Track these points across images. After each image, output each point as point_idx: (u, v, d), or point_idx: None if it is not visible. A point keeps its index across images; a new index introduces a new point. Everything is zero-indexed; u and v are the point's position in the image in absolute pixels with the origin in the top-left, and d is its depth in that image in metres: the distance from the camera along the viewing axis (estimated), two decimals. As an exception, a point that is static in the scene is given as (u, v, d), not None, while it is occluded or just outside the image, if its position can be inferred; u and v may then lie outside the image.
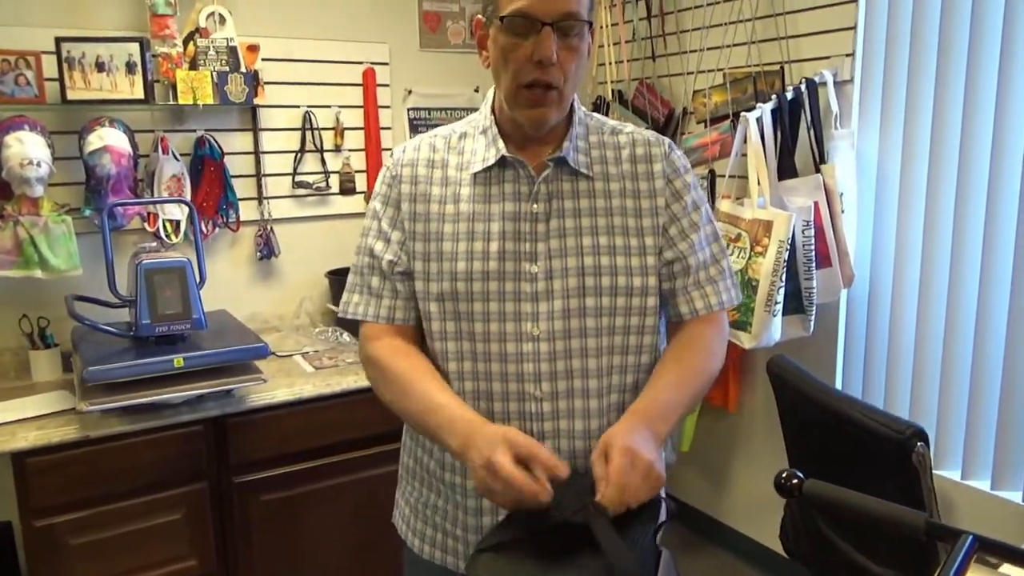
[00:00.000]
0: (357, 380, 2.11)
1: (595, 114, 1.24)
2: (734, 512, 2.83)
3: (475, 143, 1.18)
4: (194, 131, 2.37)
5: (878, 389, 2.32)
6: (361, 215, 2.68)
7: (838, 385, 2.41)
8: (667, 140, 1.21)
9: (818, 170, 2.18)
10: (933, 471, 2.13)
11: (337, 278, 2.56)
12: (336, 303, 2.48)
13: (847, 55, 2.22)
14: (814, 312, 2.19)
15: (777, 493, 0.79)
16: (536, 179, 1.13)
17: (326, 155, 2.60)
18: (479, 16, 1.14)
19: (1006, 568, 0.67)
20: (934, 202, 2.11)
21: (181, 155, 2.34)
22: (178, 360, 1.81)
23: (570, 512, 0.92)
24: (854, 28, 2.20)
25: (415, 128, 2.78)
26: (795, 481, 0.78)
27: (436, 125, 2.79)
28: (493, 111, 1.18)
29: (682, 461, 2.90)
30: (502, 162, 1.14)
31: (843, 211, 2.18)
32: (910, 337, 2.22)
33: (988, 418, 2.06)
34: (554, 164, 1.13)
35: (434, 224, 1.15)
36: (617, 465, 0.94)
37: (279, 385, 2.05)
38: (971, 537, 0.68)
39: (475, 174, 1.15)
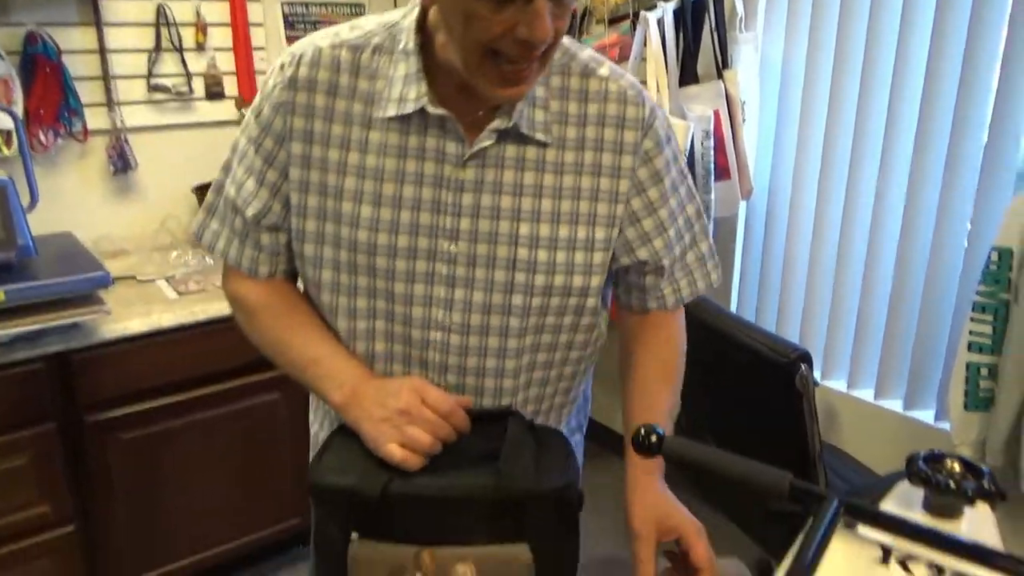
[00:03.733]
0: (225, 306, 1.92)
1: (563, 40, 0.89)
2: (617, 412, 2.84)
3: (392, 68, 0.87)
4: (22, 25, 2.04)
5: (772, 303, 2.31)
6: (232, 123, 2.43)
7: (733, 300, 2.38)
8: (649, 100, 0.93)
9: (720, 76, 2.07)
10: (822, 382, 2.17)
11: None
12: (205, 222, 2.27)
13: (754, -49, 2.08)
14: (712, 225, 2.12)
15: (635, 451, 0.69)
16: (466, 138, 0.87)
17: (187, 55, 2.30)
18: None
19: (863, 530, 0.60)
20: (836, 112, 2.04)
21: (7, 54, 2.02)
22: (-2, 294, 1.59)
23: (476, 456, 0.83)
24: (762, -79, 2.06)
25: (291, 25, 2.50)
26: (654, 439, 0.68)
27: (317, 24, 2.54)
28: (421, 29, 0.86)
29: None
30: (423, 112, 0.86)
31: (744, 120, 2.09)
32: (805, 250, 2.19)
33: (875, 331, 2.08)
34: (499, 134, 0.87)
35: (332, 175, 0.89)
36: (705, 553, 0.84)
37: (134, 315, 1.86)
38: (836, 500, 0.60)
39: (389, 119, 0.88)
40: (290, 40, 2.50)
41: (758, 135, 2.18)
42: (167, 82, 2.29)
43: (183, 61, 2.30)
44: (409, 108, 0.86)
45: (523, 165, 0.89)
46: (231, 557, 2.15)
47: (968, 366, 1.68)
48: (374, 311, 0.92)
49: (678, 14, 2.06)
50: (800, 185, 2.17)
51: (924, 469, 0.64)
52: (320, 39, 0.90)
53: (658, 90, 2.01)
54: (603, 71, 0.92)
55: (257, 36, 2.42)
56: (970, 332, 1.67)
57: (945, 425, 1.91)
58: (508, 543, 0.77)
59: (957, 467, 0.64)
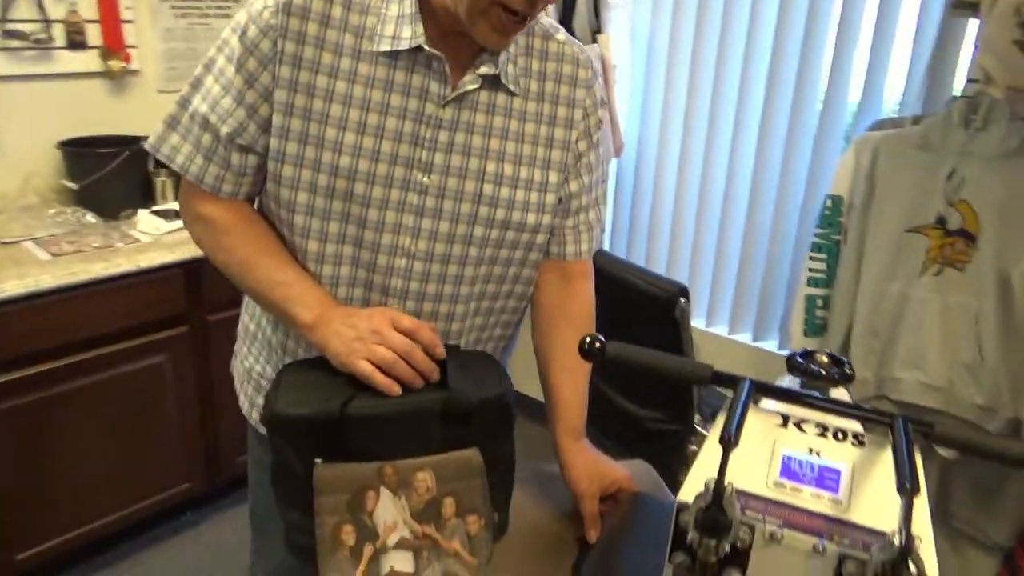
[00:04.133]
0: (107, 267, 1.87)
1: None
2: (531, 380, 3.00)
3: (384, 6, 0.93)
4: None
5: (640, 250, 2.53)
6: (98, 75, 2.30)
7: (606, 245, 2.58)
8: (592, 62, 1.06)
9: (595, 40, 2.22)
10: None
11: (74, 150, 2.19)
12: (74, 179, 2.15)
13: (622, -78, 2.23)
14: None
15: (582, 357, 0.81)
16: (449, 79, 0.94)
17: (43, -1, 2.14)
18: None
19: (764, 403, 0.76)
20: (696, 76, 2.25)
21: None
22: None
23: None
24: None
25: (155, -29, 2.38)
26: (598, 344, 0.81)
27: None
28: None
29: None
30: (416, 50, 0.93)
31: (616, 82, 2.25)
32: (670, 201, 2.41)
33: (729, 274, 2.34)
34: (483, 82, 0.96)
35: (319, 101, 0.93)
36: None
37: (8, 277, 1.75)
38: (748, 381, 0.75)
39: (378, 54, 0.93)
40: (154, -13, 2.39)
41: (629, 96, 2.36)
42: (24, 28, 2.12)
43: (40, 5, 2.14)
44: (404, 45, 0.92)
45: (494, 110, 0.98)
46: (119, 527, 2.11)
47: (807, 298, 1.95)
48: (344, 236, 0.97)
49: (555, -21, 2.18)
50: (665, 142, 2.37)
51: (801, 362, 0.80)
52: None
53: (539, 51, 2.13)
54: (560, 36, 1.04)
55: (119, -19, 2.29)
56: (809, 269, 1.94)
57: (787, 352, 2.20)
58: (459, 449, 0.86)
59: (825, 359, 0.81)
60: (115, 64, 2.32)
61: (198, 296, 2.07)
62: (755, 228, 2.24)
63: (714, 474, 0.64)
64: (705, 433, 1.70)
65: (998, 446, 0.71)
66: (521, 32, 0.96)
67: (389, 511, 0.84)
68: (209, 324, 2.11)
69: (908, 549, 0.57)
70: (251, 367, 1.14)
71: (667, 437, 1.73)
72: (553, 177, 1.03)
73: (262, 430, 1.11)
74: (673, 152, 2.36)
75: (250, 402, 1.16)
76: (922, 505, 0.62)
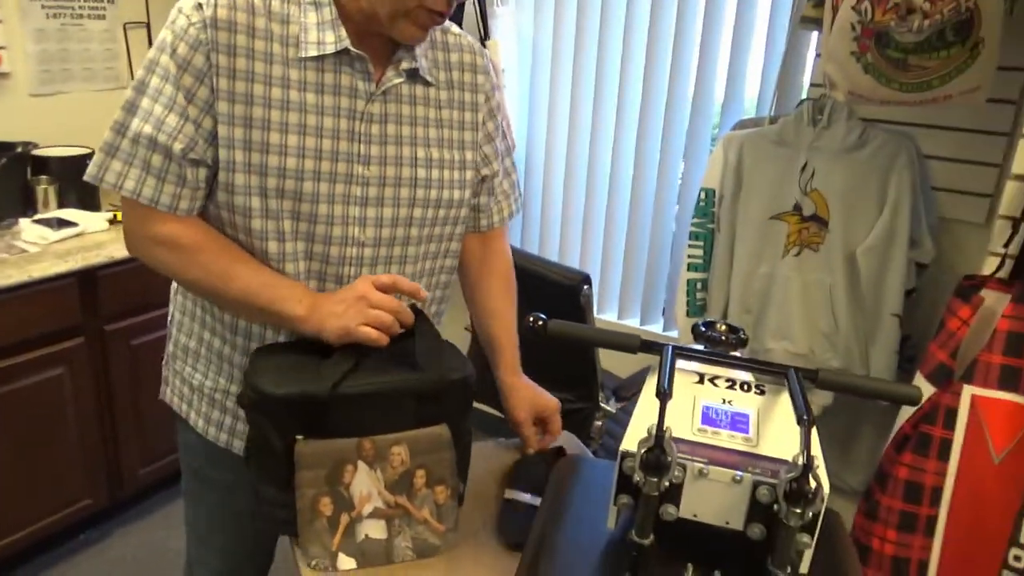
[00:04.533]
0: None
1: None
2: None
3: (303, 15, 1.00)
4: None
5: (532, 241, 2.68)
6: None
7: (502, 245, 2.70)
8: (483, 49, 1.18)
9: (484, 46, 2.33)
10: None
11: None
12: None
13: (504, -67, 2.35)
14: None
15: (526, 334, 0.92)
16: (374, 76, 1.03)
17: None
18: None
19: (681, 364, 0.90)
20: (578, 78, 2.42)
21: None
22: None
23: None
24: (511, -93, 2.33)
25: (22, -32, 2.26)
26: (540, 323, 0.92)
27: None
28: None
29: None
30: (341, 53, 1.01)
31: (505, 85, 2.38)
32: (559, 198, 2.57)
33: (616, 263, 2.53)
34: (406, 76, 1.05)
35: (258, 109, 0.98)
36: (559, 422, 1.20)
37: None
38: (671, 347, 0.89)
39: (306, 59, 0.99)
40: (21, -15, 2.27)
41: (518, 98, 2.50)
42: None
43: None
44: (330, 49, 0.99)
45: (416, 101, 1.08)
46: (17, 548, 2.01)
47: (688, 282, 2.15)
48: (298, 233, 1.03)
49: (445, -13, 2.27)
50: (552, 142, 2.53)
51: (704, 330, 0.96)
52: None
53: (433, 56, 2.22)
54: (455, 29, 1.16)
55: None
56: (688, 256, 2.14)
57: (672, 333, 2.42)
58: (430, 425, 0.96)
59: (724, 327, 0.97)
60: (-18, 66, 2.19)
61: (94, 306, 2.01)
62: (638, 220, 2.44)
63: (651, 424, 0.77)
64: (609, 408, 1.86)
65: (880, 386, 0.88)
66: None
67: (364, 483, 0.92)
68: (106, 334, 2.05)
69: (809, 467, 0.72)
70: (201, 383, 1.16)
71: (575, 415, 1.88)
72: (469, 155, 1.15)
73: (222, 443, 1.16)
74: (560, 151, 2.52)
75: (205, 419, 1.17)
76: (815, 434, 0.78)
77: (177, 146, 0.97)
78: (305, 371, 0.94)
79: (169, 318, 1.21)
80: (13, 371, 1.87)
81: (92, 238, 2.07)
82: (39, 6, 2.33)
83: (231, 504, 1.22)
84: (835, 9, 1.60)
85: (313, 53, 0.99)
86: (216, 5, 0.96)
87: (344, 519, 0.91)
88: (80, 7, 2.44)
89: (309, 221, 1.03)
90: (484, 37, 2.35)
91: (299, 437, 0.91)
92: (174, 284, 1.18)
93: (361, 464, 0.92)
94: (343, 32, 0.99)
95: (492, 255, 1.28)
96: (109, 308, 2.04)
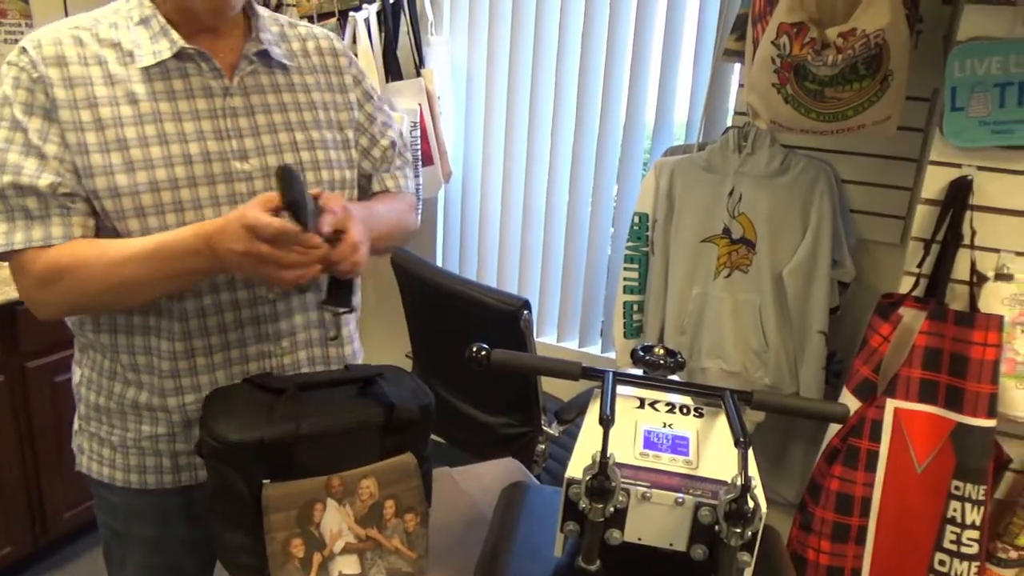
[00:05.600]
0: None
1: (261, 7, 1.14)
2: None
3: (134, 34, 1.00)
4: None
5: (471, 266, 2.69)
6: None
7: (438, 264, 2.71)
8: (336, 35, 1.21)
9: (419, 74, 2.35)
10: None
11: None
12: None
13: (435, -36, 2.39)
14: (420, 206, 2.40)
15: (470, 365, 0.93)
16: (224, 72, 1.02)
17: None
18: None
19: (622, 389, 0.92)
20: (512, 104, 2.46)
21: None
22: None
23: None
24: (442, -62, 2.37)
25: (-67, -8, 2.17)
26: (483, 353, 0.93)
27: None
28: None
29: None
30: (180, 55, 1.00)
31: (441, 113, 2.40)
32: (496, 221, 2.60)
33: (554, 287, 2.56)
34: (257, 58, 1.05)
35: (111, 131, 0.96)
36: (357, 235, 0.95)
37: None
38: (611, 373, 0.91)
39: (146, 69, 0.99)
40: (-68, 9, 2.18)
41: (454, 126, 2.52)
42: None
43: None
44: (166, 54, 0.99)
45: (278, 88, 1.08)
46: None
47: (625, 304, 2.20)
48: None
49: (380, 15, 2.29)
50: (488, 168, 2.56)
51: (642, 355, 0.98)
52: (52, 27, 0.99)
53: (368, 84, 2.22)
54: (302, 24, 1.17)
55: None
56: (624, 279, 2.19)
57: (610, 354, 2.46)
58: (394, 455, 0.95)
59: (662, 351, 1.00)
60: None
61: (14, 342, 1.92)
62: (574, 244, 2.48)
63: (594, 451, 0.79)
64: (551, 432, 1.88)
65: (811, 406, 0.92)
66: (271, 26, 1.10)
67: (334, 519, 0.91)
68: (28, 371, 1.96)
69: (747, 487, 0.75)
70: (123, 438, 1.11)
71: (517, 439, 1.88)
72: (349, 133, 1.15)
73: (151, 485, 1.12)
74: (496, 177, 2.55)
75: (131, 470, 1.12)
76: (751, 455, 0.81)
77: (44, 183, 0.95)
78: (260, 413, 0.93)
79: (76, 381, 1.15)
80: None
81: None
82: (-49, 31, 2.24)
83: (157, 563, 1.18)
84: (756, 43, 1.67)
85: (150, 61, 0.99)
86: (41, 44, 0.97)
87: (317, 558, 0.90)
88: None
89: None
90: (419, 66, 2.36)
91: (265, 481, 0.89)
92: (76, 347, 1.13)
93: (330, 501, 0.91)
94: (174, 35, 0.99)
95: (383, 197, 1.23)
96: (30, 344, 1.95)
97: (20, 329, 1.93)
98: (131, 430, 1.11)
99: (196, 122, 1.00)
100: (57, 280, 0.96)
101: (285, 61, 1.08)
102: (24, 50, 0.96)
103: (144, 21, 1.01)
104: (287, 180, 0.89)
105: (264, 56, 1.06)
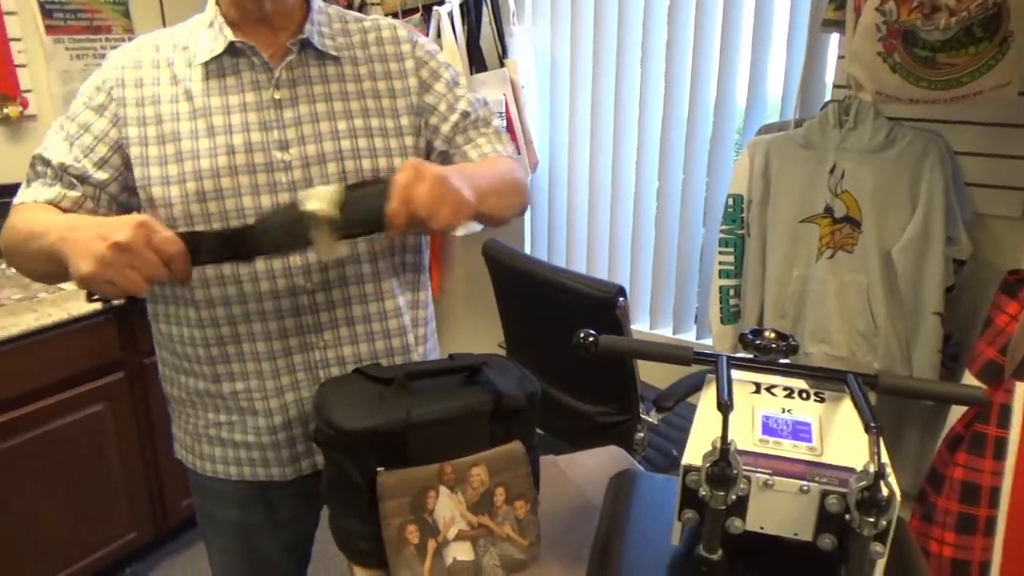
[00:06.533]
0: (38, 317, 1.82)
1: (333, 5, 1.18)
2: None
3: (199, 37, 1.09)
4: None
5: (560, 255, 2.68)
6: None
7: (529, 253, 2.71)
8: (409, 26, 1.21)
9: (503, 64, 2.35)
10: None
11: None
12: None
13: (518, -48, 2.37)
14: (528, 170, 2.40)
15: (576, 352, 0.92)
16: (273, 65, 1.07)
17: (-69, 46, 2.05)
18: None
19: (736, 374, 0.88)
20: (598, 92, 2.42)
21: None
22: None
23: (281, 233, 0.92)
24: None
25: (49, 14, 2.32)
26: (591, 339, 0.92)
27: (78, 12, 2.37)
28: (217, 2, 1.09)
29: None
30: (232, 50, 1.06)
31: (526, 102, 2.39)
32: (584, 209, 2.57)
33: (645, 273, 2.52)
34: (298, 48, 1.08)
35: (168, 125, 1.06)
36: (403, 176, 0.89)
37: (-68, 337, 1.68)
38: (724, 357, 0.88)
39: (204, 65, 1.07)
40: (48, 29, 2.32)
41: (539, 114, 2.50)
42: (-87, 78, 2.03)
43: (-71, 54, 2.05)
44: (219, 49, 1.06)
45: (327, 78, 1.10)
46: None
47: (721, 289, 2.14)
48: None
49: (463, 7, 2.29)
50: (575, 155, 2.53)
51: (751, 338, 0.95)
52: (141, 37, 1.12)
53: (454, 77, 2.24)
54: (370, 18, 1.18)
55: (11, 25, 2.21)
56: (720, 263, 2.13)
57: (706, 341, 2.40)
58: (503, 443, 0.96)
59: (772, 335, 0.96)
60: (12, 110, 2.24)
61: (132, 339, 2.04)
62: (665, 228, 2.43)
63: (712, 437, 0.76)
64: (650, 420, 1.85)
65: (943, 389, 0.87)
66: (335, 22, 1.14)
67: (447, 507, 0.92)
68: (146, 367, 2.07)
69: (881, 474, 0.71)
70: (195, 426, 1.18)
71: (616, 427, 1.86)
72: (405, 120, 1.13)
73: (222, 475, 1.17)
74: (583, 164, 2.53)
75: (207, 458, 1.19)
76: (882, 441, 0.77)
77: (57, 160, 1.05)
78: (371, 402, 0.95)
79: (160, 377, 1.23)
80: (55, 409, 1.90)
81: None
82: (63, 48, 2.38)
83: (238, 547, 1.23)
84: (857, 11, 1.59)
85: (205, 58, 1.06)
86: (125, 51, 1.10)
87: (431, 545, 0.92)
88: (102, 47, 2.49)
89: (239, 217, 1.05)
90: (503, 56, 2.36)
91: (380, 469, 0.91)
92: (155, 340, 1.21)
93: (443, 488, 0.92)
94: (227, 31, 1.06)
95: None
96: (148, 341, 2.05)
97: (137, 328, 2.04)
98: (200, 418, 1.17)
99: (243, 114, 1.06)
100: (6, 228, 1.05)
101: (333, 52, 1.10)
102: (109, 56, 1.10)
103: (211, 23, 1.09)
104: (345, 203, 0.90)
105: (310, 47, 1.09)
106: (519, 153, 2.38)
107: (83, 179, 1.05)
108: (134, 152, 1.06)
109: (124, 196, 1.09)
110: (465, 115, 1.17)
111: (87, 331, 1.93)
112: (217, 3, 1.09)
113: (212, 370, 1.12)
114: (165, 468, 2.18)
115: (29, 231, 0.98)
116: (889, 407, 2.00)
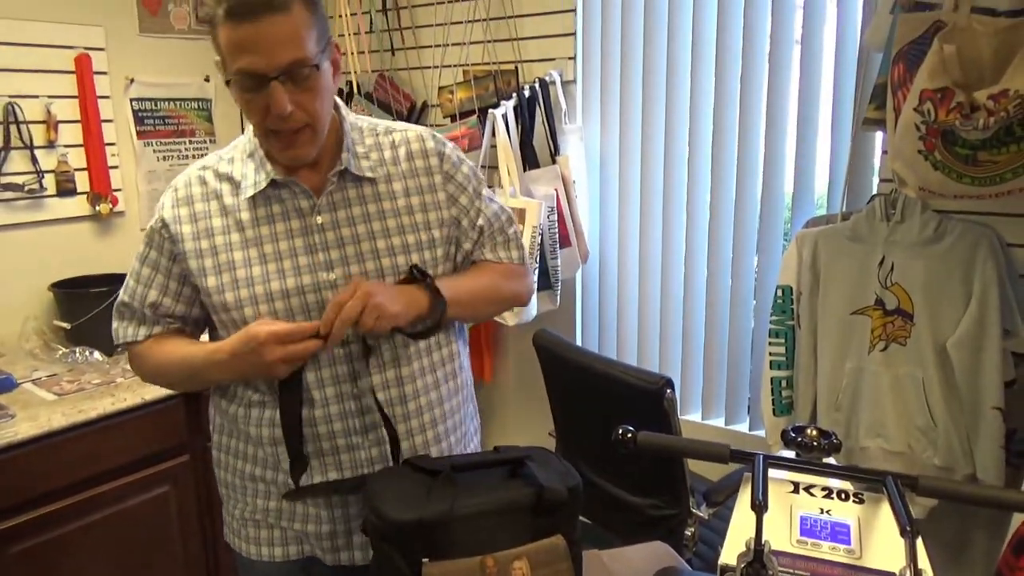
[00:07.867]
0: (114, 402, 1.93)
1: (363, 117, 1.28)
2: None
3: (244, 167, 1.19)
4: None
5: (611, 345, 2.70)
6: (85, 218, 2.41)
7: (578, 343, 2.74)
8: (436, 134, 1.28)
9: (554, 161, 2.45)
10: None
11: (66, 292, 2.27)
12: (67, 319, 2.22)
13: (569, 58, 2.51)
14: (559, 287, 2.47)
15: (616, 447, 0.95)
16: (312, 193, 1.16)
17: (37, 152, 2.27)
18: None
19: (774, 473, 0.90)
20: (647, 185, 2.50)
21: None
22: None
23: None
24: (574, 34, 2.50)
25: (140, 120, 2.54)
26: (629, 435, 0.95)
27: (166, 118, 2.60)
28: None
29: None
30: (274, 183, 1.16)
31: (576, 196, 2.48)
32: (634, 301, 2.61)
33: (696, 363, 2.52)
34: (337, 178, 1.17)
35: (223, 255, 1.16)
36: (339, 296, 1.08)
37: (18, 419, 1.80)
38: (761, 455, 0.90)
39: (250, 198, 1.17)
40: (139, 134, 2.55)
41: (589, 208, 2.59)
42: (18, 180, 2.24)
43: (33, 158, 2.27)
44: (263, 184, 1.16)
45: (364, 200, 1.19)
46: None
47: (772, 380, 2.13)
48: None
49: (516, 109, 2.43)
50: (624, 248, 2.59)
51: (793, 436, 0.96)
52: (188, 171, 1.23)
53: (508, 174, 2.35)
54: (399, 127, 1.27)
55: (108, 132, 2.44)
56: (770, 354, 2.13)
57: (759, 432, 2.37)
58: (545, 536, 0.98)
59: (814, 432, 0.97)
60: (104, 208, 2.44)
61: (198, 424, 2.13)
62: (715, 318, 2.44)
63: (747, 537, 0.78)
64: (700, 514, 1.82)
65: (987, 493, 0.87)
66: (367, 135, 1.23)
67: None
68: (210, 452, 2.15)
69: (917, 579, 0.71)
70: (243, 512, 1.26)
71: (666, 521, 1.84)
72: (437, 233, 1.23)
73: (266, 557, 1.24)
74: (632, 255, 2.58)
75: (254, 542, 1.26)
76: (921, 545, 0.77)
77: (136, 303, 1.23)
78: (419, 494, 0.99)
79: (214, 463, 1.32)
80: (123, 491, 1.98)
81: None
82: (151, 150, 2.59)
83: None
84: (897, 111, 1.63)
85: (251, 192, 1.17)
86: (177, 188, 1.21)
87: None
88: (186, 148, 2.70)
89: None
90: (555, 153, 2.47)
91: (425, 560, 0.94)
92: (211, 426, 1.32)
93: None
94: (269, 167, 1.16)
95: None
96: (211, 425, 2.15)
97: (203, 413, 2.13)
98: (249, 504, 1.23)
99: (290, 240, 1.16)
100: (137, 362, 1.27)
101: (368, 174, 1.19)
102: (163, 198, 1.22)
103: (252, 154, 1.19)
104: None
105: (347, 172, 1.18)
106: (569, 245, 2.45)
107: (170, 314, 1.22)
108: (199, 283, 1.18)
109: (205, 315, 1.23)
110: (482, 231, 1.28)
111: (158, 414, 2.03)
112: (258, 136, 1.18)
113: (265, 454, 1.20)
114: (222, 549, 2.23)
115: (170, 363, 1.22)
116: (955, 509, 1.93)
